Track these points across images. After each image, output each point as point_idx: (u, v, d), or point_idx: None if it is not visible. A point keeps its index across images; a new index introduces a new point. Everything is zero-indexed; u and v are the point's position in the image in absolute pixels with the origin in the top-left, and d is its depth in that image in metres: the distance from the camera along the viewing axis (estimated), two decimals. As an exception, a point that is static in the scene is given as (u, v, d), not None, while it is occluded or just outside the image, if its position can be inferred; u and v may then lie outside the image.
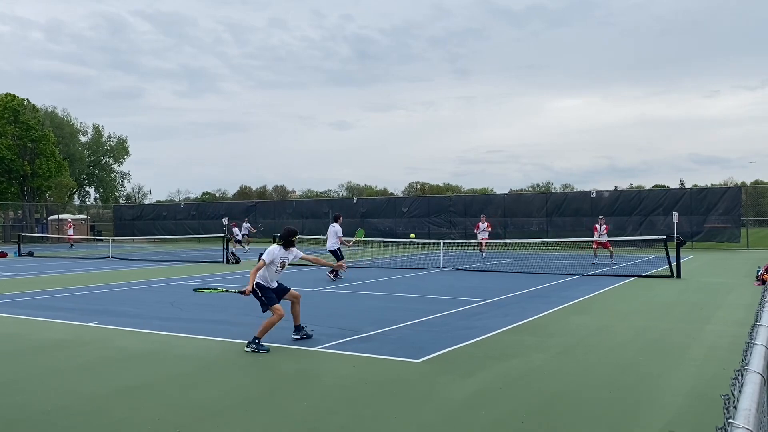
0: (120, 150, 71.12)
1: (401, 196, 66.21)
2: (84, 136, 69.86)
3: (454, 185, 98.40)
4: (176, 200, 79.91)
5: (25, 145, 50.04)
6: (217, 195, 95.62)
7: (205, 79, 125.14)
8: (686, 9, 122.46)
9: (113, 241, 31.60)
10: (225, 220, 30.54)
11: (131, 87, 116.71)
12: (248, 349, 7.72)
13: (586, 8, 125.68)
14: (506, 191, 52.60)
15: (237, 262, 23.03)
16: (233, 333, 8.91)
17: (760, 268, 15.43)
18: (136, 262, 24.94)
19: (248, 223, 36.00)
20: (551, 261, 22.60)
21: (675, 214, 23.99)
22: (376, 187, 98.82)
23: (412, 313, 10.55)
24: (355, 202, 40.28)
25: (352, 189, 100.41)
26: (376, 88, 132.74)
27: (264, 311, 8.06)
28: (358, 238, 17.88)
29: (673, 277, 15.93)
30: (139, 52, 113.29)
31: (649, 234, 28.55)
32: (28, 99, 52.67)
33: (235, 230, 30.39)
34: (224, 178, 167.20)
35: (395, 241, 30.68)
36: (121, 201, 73.73)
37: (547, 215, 33.60)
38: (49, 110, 64.58)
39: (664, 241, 17.53)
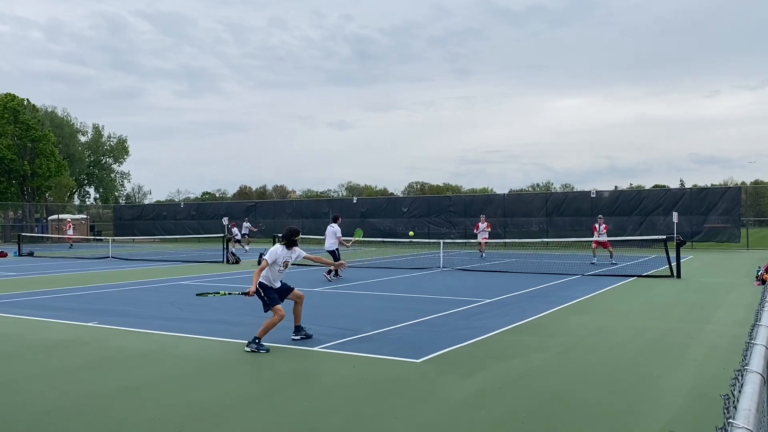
0: (120, 150, 71.15)
1: (401, 196, 66.22)
2: (84, 136, 69.96)
3: (454, 185, 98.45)
4: (176, 200, 79.93)
5: (25, 145, 50.06)
6: (217, 195, 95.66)
7: (205, 79, 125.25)
8: (686, 9, 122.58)
9: (113, 241, 31.61)
10: (225, 220, 30.59)
11: (131, 87, 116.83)
12: (248, 349, 7.73)
13: (586, 8, 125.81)
14: (506, 191, 52.64)
15: (237, 262, 23.04)
16: (233, 333, 8.91)
17: (760, 268, 15.43)
18: (136, 262, 24.94)
19: (248, 223, 35.99)
20: (551, 261, 22.60)
21: (675, 214, 24.03)
22: (376, 187, 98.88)
23: (412, 313, 10.55)
24: (355, 202, 40.28)
25: (352, 189, 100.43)
26: (376, 88, 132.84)
27: (266, 311, 8.07)
28: (356, 239, 17.88)
29: (673, 277, 15.93)
30: (139, 51, 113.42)
31: (649, 234, 28.55)
32: (28, 99, 52.77)
33: (234, 230, 30.42)
34: (224, 178, 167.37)
35: (395, 241, 30.67)
36: (121, 201, 73.77)
37: (547, 215, 33.61)
38: (49, 110, 64.64)
39: (664, 241, 17.53)
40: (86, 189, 72.91)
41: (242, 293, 8.19)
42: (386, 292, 13.79)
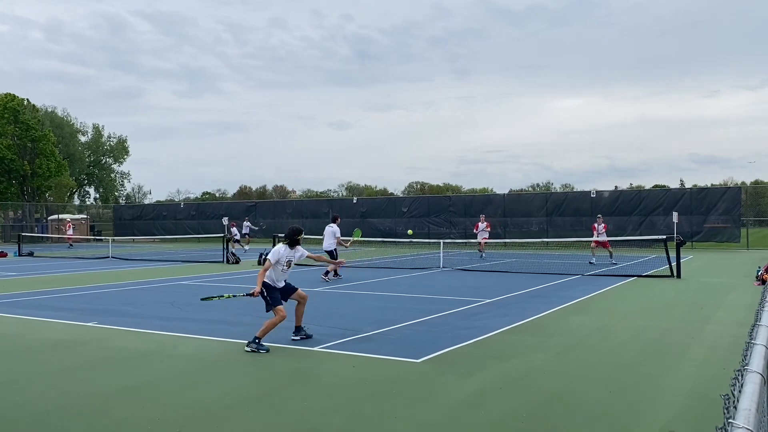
0: (120, 150, 71.16)
1: (401, 196, 66.20)
2: (84, 136, 69.97)
3: (454, 185, 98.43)
4: (176, 200, 79.94)
5: (25, 145, 50.07)
6: (217, 195, 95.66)
7: (205, 79, 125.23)
8: (686, 9, 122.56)
9: (113, 241, 31.61)
10: (225, 220, 30.56)
11: (131, 87, 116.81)
12: (248, 349, 7.73)
13: (586, 8, 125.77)
14: (506, 191, 52.64)
15: (237, 262, 23.04)
16: (233, 333, 8.91)
17: (760, 268, 15.43)
18: (136, 262, 24.94)
19: (249, 222, 35.98)
20: (551, 261, 22.60)
21: (675, 214, 24.02)
22: (376, 187, 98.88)
23: (412, 313, 10.55)
24: (355, 202, 40.29)
25: (352, 189, 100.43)
26: (376, 88, 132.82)
27: (267, 311, 8.07)
28: (355, 239, 17.88)
29: (673, 277, 15.93)
30: (139, 51, 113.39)
31: (649, 234, 28.55)
32: (28, 99, 52.77)
33: (234, 230, 30.39)
34: (224, 178, 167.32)
35: (395, 241, 30.67)
36: (121, 201, 73.77)
37: (547, 215, 33.61)
38: (49, 110, 64.64)
39: (664, 241, 17.53)
40: (86, 189, 72.95)
41: (247, 294, 8.19)
42: (386, 292, 13.79)
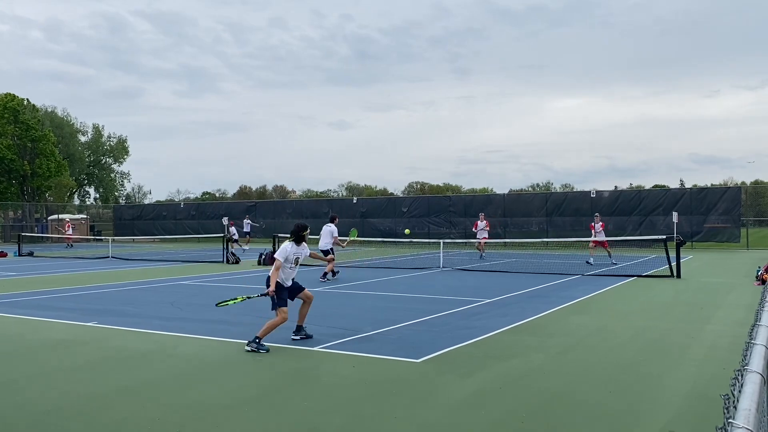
0: (120, 150, 71.16)
1: (401, 196, 66.20)
2: (84, 136, 69.97)
3: (454, 185, 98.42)
4: (176, 200, 79.93)
5: (25, 145, 50.07)
6: (217, 195, 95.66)
7: (205, 78, 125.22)
8: (686, 9, 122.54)
9: (113, 241, 31.62)
10: (225, 220, 30.59)
11: (131, 87, 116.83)
12: (248, 348, 7.73)
13: (586, 8, 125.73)
14: (506, 191, 52.65)
15: (237, 262, 23.04)
16: (233, 333, 8.92)
17: (760, 268, 15.43)
18: (136, 262, 24.94)
19: (249, 220, 35.98)
20: (551, 261, 22.60)
21: (675, 214, 23.98)
22: (376, 187, 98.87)
23: (412, 313, 10.55)
24: (355, 202, 40.29)
25: (352, 189, 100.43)
26: (376, 88, 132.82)
27: (272, 309, 8.08)
28: (351, 238, 17.90)
29: (673, 277, 15.93)
30: (139, 51, 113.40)
31: (649, 234, 28.54)
32: (27, 99, 52.76)
33: (233, 229, 30.37)
34: (224, 178, 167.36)
35: (395, 241, 30.67)
36: (121, 201, 73.78)
37: (547, 215, 33.60)
38: (49, 110, 64.65)
39: (664, 241, 17.53)
40: (86, 189, 72.95)
41: (261, 295, 8.21)
42: (386, 292, 13.79)
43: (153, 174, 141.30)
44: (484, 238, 24.87)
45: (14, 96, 50.37)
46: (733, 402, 1.93)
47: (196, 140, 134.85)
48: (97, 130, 70.83)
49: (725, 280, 15.68)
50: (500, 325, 9.40)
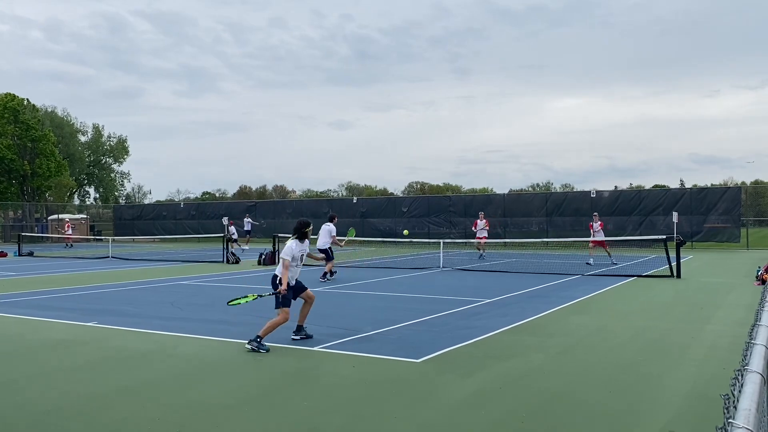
0: (120, 150, 71.18)
1: (401, 196, 66.15)
2: (84, 135, 69.99)
3: (454, 185, 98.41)
4: (176, 200, 79.93)
5: (25, 145, 50.08)
6: (217, 195, 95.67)
7: (205, 78, 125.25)
8: (686, 9, 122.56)
9: (113, 240, 31.61)
10: (225, 220, 30.60)
11: (131, 87, 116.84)
12: (249, 347, 7.74)
13: (586, 8, 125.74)
14: (506, 191, 52.65)
15: (237, 262, 23.03)
16: (233, 333, 8.92)
17: (760, 268, 15.43)
18: (136, 262, 24.94)
19: (250, 218, 35.97)
20: (551, 261, 22.59)
21: (675, 214, 23.99)
22: (376, 187, 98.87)
23: (412, 313, 10.55)
24: (355, 201, 40.28)
25: (352, 189, 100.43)
26: (376, 88, 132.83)
27: (276, 308, 8.08)
28: (349, 238, 17.91)
29: (673, 277, 15.93)
30: (139, 51, 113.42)
31: (649, 234, 28.54)
32: (28, 99, 52.77)
33: (232, 228, 30.34)
34: (224, 178, 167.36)
35: (395, 241, 30.67)
36: (121, 201, 73.78)
37: (547, 215, 33.60)
38: (49, 110, 64.66)
39: (664, 240, 17.53)
40: (86, 189, 72.98)
41: (272, 293, 8.23)
42: (386, 292, 13.79)
43: (153, 174, 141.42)
44: (484, 237, 24.83)
45: (14, 96, 50.38)
46: (733, 402, 1.93)
47: (196, 140, 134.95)
48: (97, 130, 70.86)
49: (725, 280, 15.68)
50: (500, 325, 9.40)
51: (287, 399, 5.82)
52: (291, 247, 8.22)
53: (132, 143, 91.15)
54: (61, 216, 46.87)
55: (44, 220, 50.46)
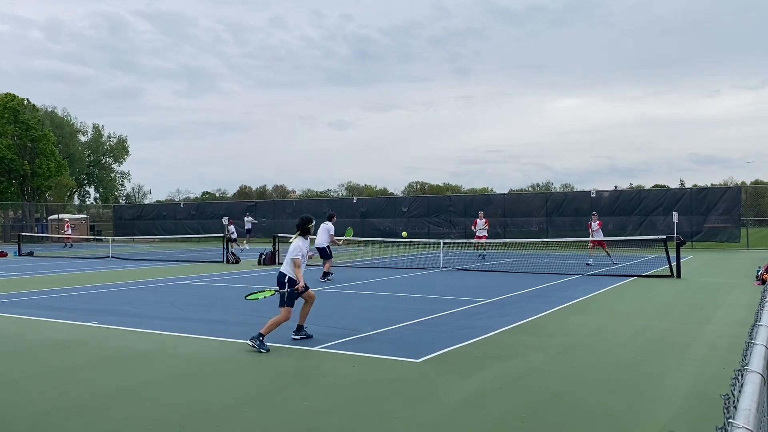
0: (120, 150, 71.19)
1: (401, 196, 66.13)
2: (84, 135, 70.00)
3: (454, 185, 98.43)
4: (176, 200, 79.91)
5: (25, 145, 50.08)
6: (217, 195, 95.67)
7: (205, 78, 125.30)
8: (686, 9, 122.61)
9: (113, 240, 31.61)
10: (225, 220, 30.62)
11: (131, 87, 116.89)
12: (250, 343, 7.75)
13: (586, 8, 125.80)
14: (506, 191, 52.65)
15: (237, 262, 23.03)
16: (233, 333, 8.91)
17: (760, 268, 15.42)
18: (136, 261, 24.94)
19: (251, 217, 35.96)
20: (551, 261, 22.59)
21: (675, 214, 23.95)
22: (376, 187, 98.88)
23: (412, 313, 10.55)
24: (355, 201, 40.28)
25: (352, 189, 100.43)
26: (376, 88, 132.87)
27: (280, 306, 8.09)
28: (347, 238, 17.92)
29: (673, 277, 15.93)
30: (139, 51, 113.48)
31: (649, 234, 28.54)
32: (27, 99, 52.78)
33: (231, 228, 30.34)
34: (224, 178, 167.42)
35: (395, 241, 30.67)
36: (121, 201, 73.78)
37: (547, 215, 33.60)
38: (49, 110, 64.67)
39: (664, 240, 17.53)
40: (86, 189, 72.98)
41: (292, 289, 8.24)
42: (386, 292, 13.79)
43: (153, 174, 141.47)
44: (484, 236, 24.75)
45: (14, 96, 50.38)
46: (733, 402, 1.93)
47: (196, 140, 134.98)
48: (97, 130, 70.87)
49: (725, 280, 15.68)
50: (500, 325, 9.40)
51: (287, 399, 5.82)
52: (299, 245, 8.29)
53: (132, 143, 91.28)
54: (61, 216, 46.88)
55: (44, 220, 50.46)
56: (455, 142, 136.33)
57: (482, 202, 35.59)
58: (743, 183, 68.79)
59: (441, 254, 21.09)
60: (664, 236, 18.69)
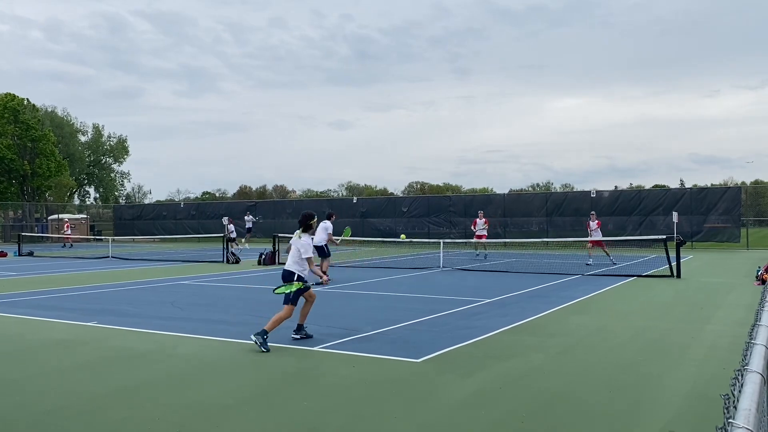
0: (120, 150, 71.20)
1: (401, 196, 66.10)
2: (84, 135, 70.01)
3: (454, 185, 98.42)
4: (176, 200, 79.90)
5: (25, 145, 50.08)
6: (217, 195, 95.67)
7: (205, 78, 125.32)
8: (686, 9, 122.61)
9: (113, 240, 31.61)
10: (225, 220, 30.62)
11: (131, 87, 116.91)
12: (254, 339, 7.77)
13: (586, 8, 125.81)
14: (506, 191, 52.65)
15: (237, 261, 23.03)
16: (233, 333, 8.91)
17: (760, 268, 15.42)
18: (136, 261, 24.93)
19: (251, 215, 35.95)
20: (551, 261, 22.59)
21: (675, 214, 23.97)
22: (376, 187, 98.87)
23: (412, 313, 10.54)
24: (355, 201, 40.28)
25: (352, 189, 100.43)
26: (376, 88, 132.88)
27: (285, 303, 8.09)
28: (345, 237, 17.91)
29: (673, 276, 15.92)
30: (139, 51, 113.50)
31: (649, 234, 28.53)
32: (27, 99, 52.78)
33: (231, 227, 30.31)
34: (224, 178, 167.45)
35: (395, 241, 30.67)
36: (121, 201, 73.78)
37: (547, 215, 33.60)
38: (49, 110, 64.67)
39: (664, 240, 17.52)
40: (86, 189, 72.98)
41: (316, 284, 8.32)
42: (386, 292, 13.78)
43: (153, 174, 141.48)
44: (484, 236, 24.72)
45: (14, 96, 50.38)
46: (733, 402, 1.93)
47: (196, 140, 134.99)
48: (97, 130, 70.87)
49: (725, 280, 15.68)
50: (500, 325, 9.40)
51: (287, 399, 5.82)
52: (308, 242, 8.39)
53: (132, 143, 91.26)
54: (61, 216, 46.88)
55: (44, 220, 50.46)
56: (455, 142, 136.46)
57: (482, 202, 35.59)
58: (743, 183, 68.79)
59: (441, 254, 21.09)
60: (664, 236, 18.68)
